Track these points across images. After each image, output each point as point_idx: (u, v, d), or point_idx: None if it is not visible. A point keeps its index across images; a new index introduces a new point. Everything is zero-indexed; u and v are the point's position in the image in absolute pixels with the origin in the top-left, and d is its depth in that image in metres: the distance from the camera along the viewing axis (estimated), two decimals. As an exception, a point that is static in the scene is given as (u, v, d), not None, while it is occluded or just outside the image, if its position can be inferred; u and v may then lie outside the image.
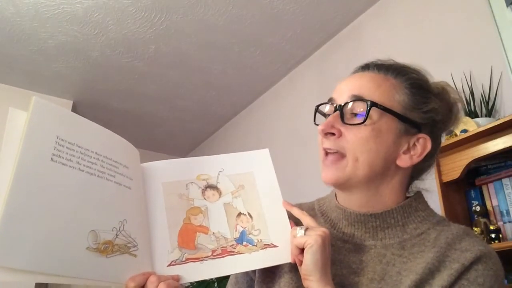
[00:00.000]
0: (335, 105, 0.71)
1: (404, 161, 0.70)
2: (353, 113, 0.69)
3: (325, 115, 0.75)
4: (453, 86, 1.70)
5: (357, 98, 0.69)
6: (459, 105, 0.76)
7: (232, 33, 2.61)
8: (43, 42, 2.68)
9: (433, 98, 0.72)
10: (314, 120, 0.77)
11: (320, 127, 0.70)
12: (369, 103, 0.67)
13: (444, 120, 0.74)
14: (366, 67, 0.75)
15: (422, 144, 0.71)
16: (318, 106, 0.77)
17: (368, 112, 0.67)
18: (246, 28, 2.57)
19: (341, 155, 0.69)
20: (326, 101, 0.75)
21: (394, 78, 0.72)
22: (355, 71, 0.77)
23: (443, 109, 0.73)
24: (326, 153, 0.71)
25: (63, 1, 2.35)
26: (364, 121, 0.67)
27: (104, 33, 2.61)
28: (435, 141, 0.73)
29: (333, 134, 0.69)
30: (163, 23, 2.53)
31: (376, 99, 0.68)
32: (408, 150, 0.71)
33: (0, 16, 2.45)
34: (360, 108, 0.68)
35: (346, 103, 0.69)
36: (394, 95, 0.70)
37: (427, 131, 0.71)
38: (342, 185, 0.71)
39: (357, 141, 0.67)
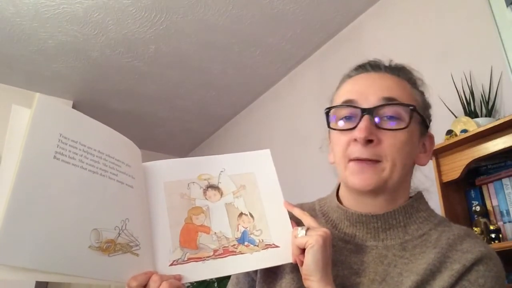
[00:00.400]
0: (361, 108, 0.67)
1: (424, 160, 0.73)
2: (386, 117, 0.67)
3: (347, 118, 0.69)
4: (453, 86, 1.72)
5: (394, 102, 0.67)
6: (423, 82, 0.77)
7: (232, 33, 2.61)
8: (43, 42, 2.68)
9: (426, 94, 0.75)
10: (328, 124, 0.72)
11: (361, 135, 0.64)
12: (412, 107, 0.66)
13: None
14: (377, 67, 0.73)
15: (429, 142, 0.74)
16: (330, 108, 0.72)
17: (411, 116, 0.66)
18: (246, 28, 2.57)
19: (377, 162, 0.66)
20: (328, 102, 0.75)
21: (405, 80, 0.73)
22: (363, 70, 0.74)
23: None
24: (357, 159, 0.67)
25: (63, 1, 2.35)
26: (407, 126, 0.66)
27: (104, 33, 2.61)
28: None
29: (371, 141, 0.65)
30: (163, 23, 2.53)
31: (405, 101, 0.68)
32: (424, 149, 0.73)
33: (0, 16, 2.45)
34: (398, 111, 0.67)
35: (380, 106, 0.66)
36: (414, 97, 0.71)
37: (429, 129, 0.75)
38: (377, 190, 0.68)
39: (396, 146, 0.66)
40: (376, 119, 0.66)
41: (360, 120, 0.66)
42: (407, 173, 0.72)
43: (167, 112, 3.57)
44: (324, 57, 2.73)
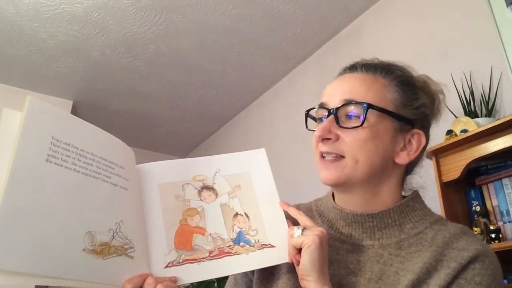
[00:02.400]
0: (328, 109, 0.71)
1: (402, 158, 0.71)
2: (347, 116, 0.69)
3: (315, 119, 0.76)
4: (453, 86, 1.71)
5: (349, 101, 0.69)
6: (441, 96, 0.77)
7: (232, 33, 2.61)
8: (43, 42, 2.68)
9: (421, 93, 0.74)
10: (306, 126, 0.77)
11: (316, 133, 0.70)
12: (365, 105, 0.67)
13: (431, 113, 0.76)
14: (353, 68, 0.75)
15: (417, 140, 0.72)
16: (308, 111, 0.76)
17: (365, 114, 0.67)
18: (246, 28, 2.57)
19: (340, 156, 0.69)
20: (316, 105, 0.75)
21: (383, 78, 0.72)
22: (342, 73, 0.77)
23: (429, 102, 0.75)
24: (323, 156, 0.71)
25: (63, 1, 2.35)
26: (363, 123, 0.67)
27: (104, 33, 2.61)
28: (427, 134, 0.75)
29: (329, 139, 0.69)
30: (163, 23, 2.53)
31: (369, 100, 0.69)
32: (404, 147, 0.72)
33: (0, 16, 2.45)
34: (355, 110, 0.68)
35: (340, 107, 0.69)
36: (385, 94, 0.71)
37: (420, 126, 0.73)
38: (342, 185, 0.70)
39: (356, 143, 0.68)
40: (340, 119, 0.69)
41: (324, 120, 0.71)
42: (382, 171, 0.71)
43: (167, 112, 3.57)
44: (324, 57, 2.73)
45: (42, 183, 0.55)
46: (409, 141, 0.72)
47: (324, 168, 0.70)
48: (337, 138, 0.69)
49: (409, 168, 0.77)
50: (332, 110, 0.70)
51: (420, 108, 0.73)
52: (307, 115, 0.77)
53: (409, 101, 0.72)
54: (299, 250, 0.64)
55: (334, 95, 0.72)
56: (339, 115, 0.69)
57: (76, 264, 0.55)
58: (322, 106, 0.73)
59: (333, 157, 0.70)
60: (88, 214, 0.59)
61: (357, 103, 0.68)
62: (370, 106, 0.67)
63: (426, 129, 0.75)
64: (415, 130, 0.72)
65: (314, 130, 0.72)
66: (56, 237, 0.54)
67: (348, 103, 0.69)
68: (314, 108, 0.75)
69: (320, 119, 0.74)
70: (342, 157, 0.69)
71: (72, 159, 0.59)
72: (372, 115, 0.68)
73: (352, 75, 0.74)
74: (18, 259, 0.50)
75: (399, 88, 0.72)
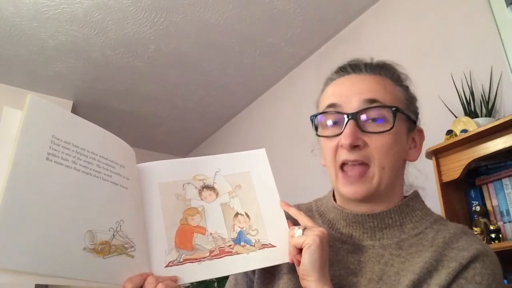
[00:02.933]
0: (346, 113, 0.67)
1: (413, 155, 0.73)
2: (371, 120, 0.67)
3: (333, 123, 0.70)
4: (453, 86, 1.71)
5: (376, 104, 0.66)
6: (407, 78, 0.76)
7: (232, 33, 2.61)
8: (43, 42, 2.68)
9: (411, 86, 0.74)
10: (316, 132, 0.72)
11: (346, 141, 0.65)
12: (394, 108, 0.66)
13: None
14: (357, 69, 0.73)
15: (419, 136, 0.74)
16: (316, 115, 0.72)
17: (394, 119, 0.66)
18: (246, 28, 2.57)
19: (365, 165, 0.66)
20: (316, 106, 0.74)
21: (387, 78, 0.72)
22: (344, 73, 0.74)
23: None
24: (343, 165, 0.68)
25: (63, 1, 2.35)
26: (392, 127, 0.65)
27: (104, 33, 2.60)
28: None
29: (358, 146, 0.66)
30: (163, 23, 2.52)
31: (389, 102, 0.67)
32: (412, 144, 0.73)
33: (0, 16, 2.45)
34: (378, 112, 0.66)
35: (363, 110, 0.66)
36: (398, 95, 0.71)
37: (418, 123, 0.74)
38: (370, 197, 0.68)
39: (383, 149, 0.66)
40: (361, 123, 0.66)
41: (345, 125, 0.66)
42: (398, 173, 0.72)
43: (167, 112, 3.57)
44: (324, 57, 2.73)
45: (43, 181, 0.55)
46: (413, 139, 0.73)
47: (349, 183, 0.67)
48: (365, 144, 0.66)
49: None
50: (352, 114, 0.66)
51: (416, 102, 0.74)
52: (314, 119, 0.72)
53: (412, 99, 0.73)
54: (299, 250, 0.64)
55: (350, 97, 0.68)
56: (360, 119, 0.66)
57: (77, 263, 0.55)
58: (335, 109, 0.69)
59: (357, 165, 0.66)
60: (89, 213, 0.59)
61: (384, 106, 0.66)
62: (397, 109, 0.66)
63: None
64: (418, 128, 0.74)
65: (327, 136, 0.69)
66: (57, 236, 0.54)
67: (373, 106, 0.66)
68: (323, 112, 0.70)
69: (335, 123, 0.69)
70: (365, 164, 0.66)
71: (73, 158, 0.59)
72: (393, 117, 0.66)
73: (360, 76, 0.71)
74: (18, 257, 0.50)
75: (401, 87, 0.72)
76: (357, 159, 0.66)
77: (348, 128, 0.66)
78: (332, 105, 0.69)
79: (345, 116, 0.67)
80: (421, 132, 0.74)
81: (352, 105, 0.67)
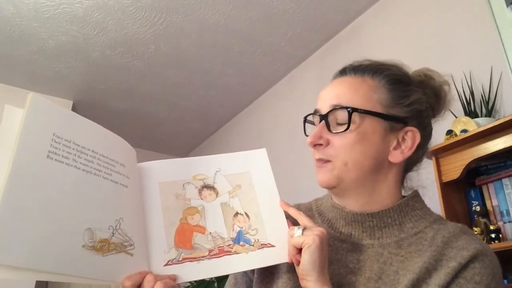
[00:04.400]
0: (319, 115, 0.73)
1: (396, 156, 0.71)
2: (337, 121, 0.70)
3: (313, 123, 0.77)
4: (453, 86, 1.70)
5: (336, 107, 0.70)
6: (446, 87, 0.78)
7: (232, 33, 2.61)
8: (43, 42, 2.68)
9: (415, 89, 0.73)
10: (305, 132, 0.77)
11: (308, 140, 0.71)
12: (349, 109, 0.68)
13: (432, 107, 0.76)
14: (343, 72, 0.76)
15: (411, 137, 0.72)
16: (306, 117, 0.78)
17: (349, 118, 0.68)
18: (246, 28, 2.57)
19: (327, 161, 0.71)
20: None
21: (371, 79, 0.72)
22: (334, 77, 0.77)
23: (428, 96, 0.75)
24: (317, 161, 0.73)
25: (63, 1, 2.35)
26: (348, 127, 0.68)
27: (104, 33, 2.61)
28: (424, 130, 0.74)
29: (320, 144, 0.71)
30: (163, 23, 2.53)
31: (355, 103, 0.69)
32: (398, 145, 0.71)
33: (0, 16, 2.45)
34: (342, 115, 0.69)
35: (328, 113, 0.71)
36: (372, 96, 0.71)
37: (414, 123, 0.72)
38: (335, 187, 0.71)
39: (343, 147, 0.69)
40: (331, 124, 0.71)
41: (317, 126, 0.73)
42: (376, 171, 0.71)
43: (167, 112, 3.57)
44: (324, 57, 2.73)
45: (43, 179, 0.55)
46: (403, 139, 0.71)
47: (318, 172, 0.72)
48: (328, 143, 0.71)
49: (409, 166, 0.76)
50: (322, 116, 0.72)
51: (412, 104, 0.72)
52: (305, 121, 0.78)
53: (398, 99, 0.71)
54: (299, 250, 0.64)
55: (325, 101, 0.73)
56: (329, 120, 0.71)
57: (76, 260, 0.55)
58: (315, 112, 0.75)
59: (323, 162, 0.71)
60: (88, 210, 0.59)
61: (342, 107, 0.70)
62: (354, 109, 0.68)
63: (422, 125, 0.74)
64: (408, 128, 0.71)
65: (308, 135, 0.74)
66: (56, 233, 0.54)
67: (334, 108, 0.70)
68: (310, 114, 0.77)
69: (314, 124, 0.76)
70: (329, 161, 0.70)
71: (73, 156, 0.59)
72: (357, 118, 0.69)
73: (341, 79, 0.75)
74: (18, 254, 0.50)
75: (388, 87, 0.72)
76: (320, 157, 0.71)
77: (316, 128, 0.72)
78: (316, 109, 0.75)
79: (319, 118, 0.73)
80: (413, 132, 0.71)
81: (325, 108, 0.72)
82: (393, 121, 0.70)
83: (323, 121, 0.71)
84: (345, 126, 0.69)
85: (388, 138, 0.71)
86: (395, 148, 0.71)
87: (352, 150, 0.69)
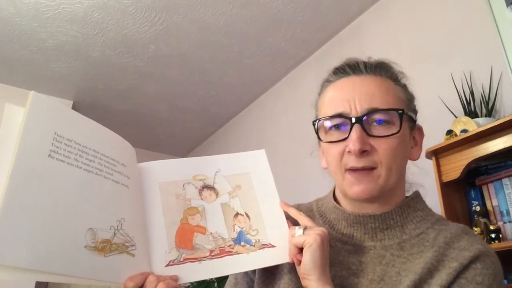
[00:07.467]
0: (350, 117, 0.66)
1: (415, 154, 0.73)
2: (376, 123, 0.66)
3: (336, 127, 0.69)
4: (453, 86, 1.71)
5: (381, 108, 0.66)
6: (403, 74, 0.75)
7: (232, 33, 2.61)
8: (43, 42, 2.68)
9: (409, 86, 0.74)
10: (319, 137, 0.72)
11: (355, 147, 0.64)
12: (400, 112, 0.66)
13: None
14: (357, 70, 0.71)
15: (418, 135, 0.74)
16: (318, 120, 0.71)
17: (401, 120, 0.66)
18: (246, 28, 2.57)
19: (372, 169, 0.66)
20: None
21: (387, 78, 0.71)
22: (344, 75, 0.72)
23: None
24: (349, 170, 0.67)
25: (63, 1, 2.35)
26: (399, 130, 0.65)
27: (104, 33, 2.60)
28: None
29: (366, 151, 0.65)
30: (163, 23, 2.52)
31: (391, 105, 0.67)
32: (414, 143, 0.73)
33: (0, 16, 2.45)
34: (383, 116, 0.66)
35: (369, 114, 0.66)
36: (399, 95, 0.70)
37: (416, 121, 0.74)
38: (375, 197, 0.68)
39: (391, 152, 0.66)
40: (367, 127, 0.66)
41: (350, 130, 0.65)
42: (402, 173, 0.72)
43: (167, 112, 3.57)
44: (324, 57, 2.73)
45: (45, 178, 0.55)
46: (414, 137, 0.73)
47: (356, 182, 0.66)
48: (372, 148, 0.65)
49: None
50: (357, 119, 0.65)
51: (414, 100, 0.74)
52: (316, 124, 0.71)
53: (411, 97, 0.73)
54: (300, 250, 0.64)
55: (354, 102, 0.67)
56: (365, 123, 0.66)
57: (78, 260, 0.55)
58: (340, 115, 0.67)
59: (368, 170, 0.66)
60: (90, 210, 0.59)
61: (390, 109, 0.66)
62: (403, 112, 0.67)
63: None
64: (417, 125, 0.74)
65: (332, 141, 0.68)
66: (58, 233, 0.54)
67: (378, 109, 0.66)
68: (326, 117, 0.69)
69: (337, 127, 0.68)
70: (374, 169, 0.66)
71: (75, 155, 0.59)
72: (399, 120, 0.66)
73: (361, 78, 0.70)
74: (19, 254, 0.50)
75: (400, 87, 0.72)
76: (365, 165, 0.65)
77: (355, 133, 0.65)
78: (338, 114, 0.68)
79: (351, 120, 0.66)
80: (420, 130, 0.74)
81: (357, 110, 0.66)
82: (413, 121, 0.72)
83: (358, 124, 0.65)
84: (388, 128, 0.65)
85: (410, 138, 0.72)
86: (412, 147, 0.72)
87: (396, 154, 0.66)
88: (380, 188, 0.67)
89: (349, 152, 0.66)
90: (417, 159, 0.73)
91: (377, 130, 0.66)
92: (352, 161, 0.66)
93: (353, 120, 0.65)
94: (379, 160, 0.66)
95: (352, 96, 0.68)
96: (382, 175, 0.66)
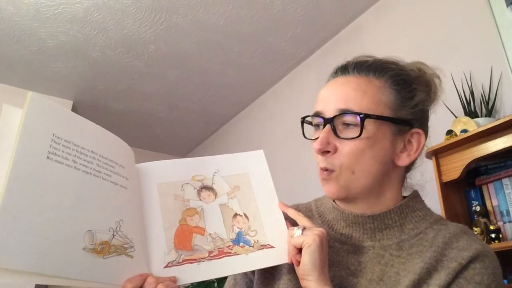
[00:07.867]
0: (323, 118, 0.68)
1: (403, 160, 0.70)
2: (345, 124, 0.67)
3: (310, 124, 0.73)
4: (453, 86, 1.71)
5: (345, 112, 0.66)
6: (437, 81, 0.75)
7: (232, 33, 2.60)
8: (43, 42, 2.68)
9: (418, 89, 0.71)
10: (303, 134, 0.74)
11: (316, 146, 0.67)
12: (361, 116, 0.65)
13: (429, 103, 0.74)
14: (345, 70, 0.72)
15: (417, 139, 0.70)
16: (304, 118, 0.74)
17: (362, 124, 0.65)
18: (246, 28, 2.57)
19: (332, 170, 0.68)
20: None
21: (376, 79, 0.70)
22: (335, 75, 0.73)
23: (425, 92, 0.72)
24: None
25: (63, 1, 2.35)
26: (360, 134, 0.65)
27: (104, 33, 2.60)
28: (426, 130, 0.73)
29: (328, 151, 0.67)
30: (163, 23, 2.52)
31: (364, 108, 0.66)
32: (404, 148, 0.70)
33: (0, 16, 2.45)
34: (351, 119, 0.66)
35: (336, 116, 0.67)
36: (380, 98, 0.68)
37: (418, 124, 0.71)
38: (345, 197, 0.70)
39: (352, 154, 0.66)
40: (337, 128, 0.67)
41: (322, 130, 0.68)
42: (383, 176, 0.69)
43: (167, 112, 3.57)
44: (324, 57, 2.73)
45: (43, 180, 0.55)
46: (409, 141, 0.70)
47: (324, 182, 0.70)
48: (335, 150, 0.67)
49: (409, 166, 0.75)
50: (328, 120, 0.68)
51: (418, 105, 0.70)
52: (303, 122, 0.74)
53: (405, 100, 0.69)
54: (299, 250, 0.64)
55: (329, 103, 0.69)
56: (335, 124, 0.67)
57: (76, 263, 0.55)
58: (317, 114, 0.70)
59: (328, 173, 0.68)
60: (89, 212, 0.58)
61: (353, 113, 0.66)
62: (366, 116, 0.65)
63: (424, 125, 0.73)
64: (414, 130, 0.70)
65: (312, 139, 0.71)
66: (56, 235, 0.54)
67: (343, 113, 0.67)
68: (309, 116, 0.73)
69: (318, 126, 0.71)
70: (333, 171, 0.68)
71: (73, 157, 0.59)
72: (369, 123, 0.66)
73: (345, 78, 0.71)
74: (18, 257, 0.50)
75: (395, 88, 0.69)
76: (325, 166, 0.68)
77: (322, 133, 0.67)
78: (317, 112, 0.71)
79: (323, 120, 0.68)
80: (419, 134, 0.70)
81: (329, 111, 0.68)
82: (401, 124, 0.69)
83: (328, 126, 0.67)
84: (354, 131, 0.66)
85: (395, 141, 0.69)
86: (401, 151, 0.70)
87: (361, 157, 0.66)
88: (345, 190, 0.68)
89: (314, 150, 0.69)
90: (404, 164, 0.70)
91: (344, 132, 0.67)
92: (319, 161, 0.69)
93: (325, 120, 0.68)
94: (339, 163, 0.67)
95: (330, 97, 0.70)
96: (343, 177, 0.67)
